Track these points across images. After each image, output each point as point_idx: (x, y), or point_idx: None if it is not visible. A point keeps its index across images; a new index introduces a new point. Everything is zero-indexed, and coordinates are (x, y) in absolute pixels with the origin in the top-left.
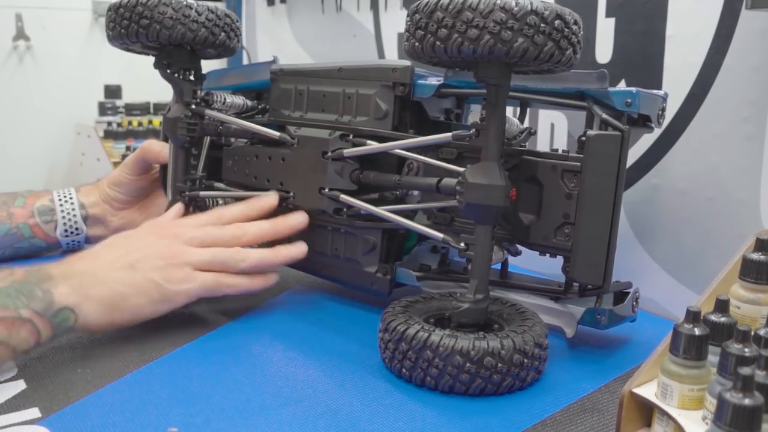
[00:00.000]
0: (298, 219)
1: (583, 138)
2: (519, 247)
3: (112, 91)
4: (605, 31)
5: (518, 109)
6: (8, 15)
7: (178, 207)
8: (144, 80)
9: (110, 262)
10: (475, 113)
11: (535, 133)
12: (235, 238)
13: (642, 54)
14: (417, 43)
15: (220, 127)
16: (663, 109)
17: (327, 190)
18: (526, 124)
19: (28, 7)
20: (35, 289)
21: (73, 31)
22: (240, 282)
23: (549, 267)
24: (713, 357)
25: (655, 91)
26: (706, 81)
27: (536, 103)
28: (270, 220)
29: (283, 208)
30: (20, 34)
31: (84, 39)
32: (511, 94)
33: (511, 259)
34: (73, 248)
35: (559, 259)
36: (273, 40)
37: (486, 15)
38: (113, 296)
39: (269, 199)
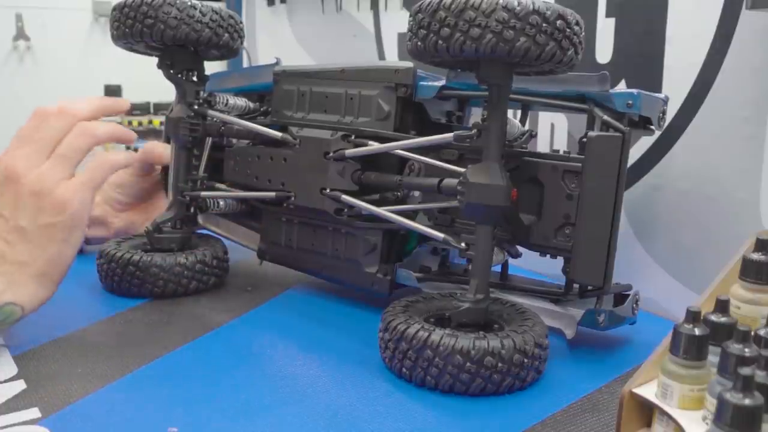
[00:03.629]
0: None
1: (584, 139)
2: (519, 248)
3: (112, 91)
4: (605, 31)
5: (519, 112)
6: (8, 15)
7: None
8: (144, 80)
9: (4, 240)
10: (476, 116)
11: (536, 135)
12: (66, 117)
13: (642, 54)
14: (419, 43)
15: (223, 128)
16: (664, 112)
17: (328, 191)
18: (527, 126)
19: (28, 7)
20: None
21: (73, 31)
22: (113, 158)
23: (549, 267)
24: (713, 357)
25: (656, 94)
26: (706, 81)
27: (537, 105)
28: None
29: (284, 209)
30: (20, 34)
31: (84, 39)
32: (512, 96)
33: (512, 260)
34: None
35: (560, 260)
36: (273, 40)
37: (488, 14)
38: (38, 269)
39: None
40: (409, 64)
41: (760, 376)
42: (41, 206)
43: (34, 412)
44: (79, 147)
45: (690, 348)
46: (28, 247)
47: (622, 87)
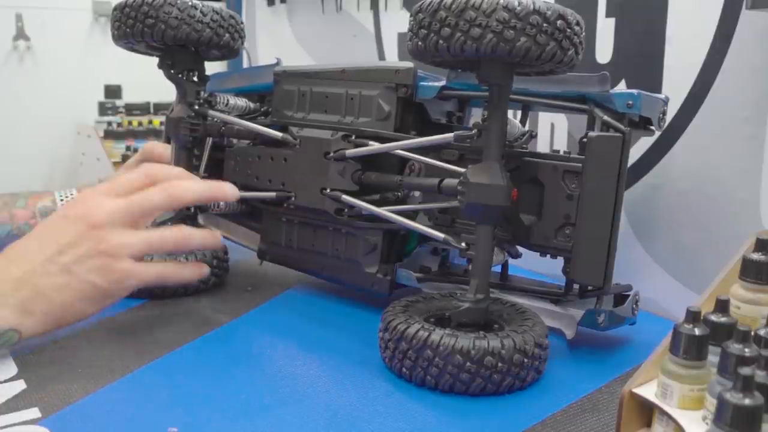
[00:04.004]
0: (230, 186)
1: (585, 139)
2: (519, 248)
3: (112, 91)
4: (605, 31)
5: (519, 112)
6: (8, 15)
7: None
8: (144, 80)
9: (44, 265)
10: (476, 117)
11: (536, 135)
12: (171, 199)
13: (642, 54)
14: (420, 43)
15: (223, 128)
16: (664, 113)
17: (329, 191)
18: (527, 126)
19: (28, 7)
20: None
21: (73, 31)
22: (181, 271)
23: (549, 267)
24: (713, 357)
25: (656, 95)
26: (706, 81)
27: (538, 106)
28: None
29: (284, 209)
30: (20, 34)
31: (84, 39)
32: (512, 96)
33: (512, 260)
34: None
35: (560, 260)
36: (273, 40)
37: (489, 14)
38: (55, 308)
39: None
40: (409, 64)
41: (760, 376)
42: (101, 267)
43: (34, 412)
44: (167, 246)
45: (690, 348)
46: (58, 285)
47: (622, 87)
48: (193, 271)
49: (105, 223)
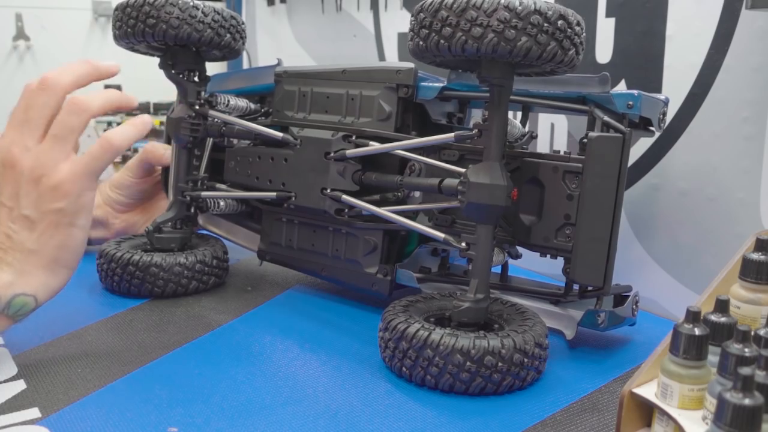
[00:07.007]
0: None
1: (585, 140)
2: (519, 248)
3: None
4: (605, 31)
5: (519, 113)
6: (8, 15)
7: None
8: (144, 80)
9: (9, 226)
10: (476, 118)
11: (536, 136)
12: (53, 92)
13: (642, 54)
14: (421, 42)
15: (224, 128)
16: (664, 114)
17: (329, 191)
18: (528, 127)
19: (28, 7)
20: None
21: (73, 31)
22: (122, 132)
23: (549, 267)
24: (713, 357)
25: (656, 95)
26: (706, 81)
27: (538, 107)
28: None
29: (284, 209)
30: (20, 34)
31: (84, 39)
32: (513, 98)
33: (512, 260)
34: None
35: (560, 260)
36: (273, 40)
37: (490, 14)
38: (46, 255)
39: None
40: (410, 64)
41: (760, 376)
42: (41, 192)
43: (34, 412)
44: (72, 126)
45: (690, 348)
46: (34, 235)
47: (622, 87)
48: (133, 127)
49: (18, 154)
